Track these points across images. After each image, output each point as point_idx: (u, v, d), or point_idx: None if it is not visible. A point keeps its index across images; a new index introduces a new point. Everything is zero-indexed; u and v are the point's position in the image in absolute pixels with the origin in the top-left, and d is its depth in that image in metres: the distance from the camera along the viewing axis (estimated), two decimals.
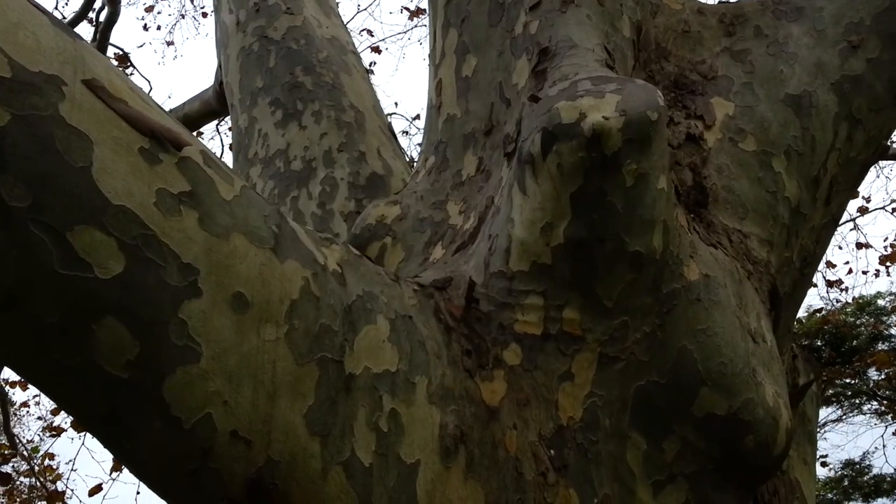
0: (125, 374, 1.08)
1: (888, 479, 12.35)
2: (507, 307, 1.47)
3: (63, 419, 8.38)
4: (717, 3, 2.21)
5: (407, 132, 11.85)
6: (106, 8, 8.00)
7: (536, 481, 1.36)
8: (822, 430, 13.11)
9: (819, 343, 11.89)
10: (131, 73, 10.33)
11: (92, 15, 8.85)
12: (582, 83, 1.53)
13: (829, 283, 11.51)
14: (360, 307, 1.31)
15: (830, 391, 12.82)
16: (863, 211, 10.99)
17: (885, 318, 11.43)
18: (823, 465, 12.74)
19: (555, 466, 1.38)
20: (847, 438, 21.21)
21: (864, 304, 11.51)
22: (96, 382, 1.09)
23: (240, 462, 1.14)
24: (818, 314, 11.91)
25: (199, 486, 1.15)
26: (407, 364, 1.32)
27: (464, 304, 1.48)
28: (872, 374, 11.63)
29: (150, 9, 12.13)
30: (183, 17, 15.59)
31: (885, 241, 11.47)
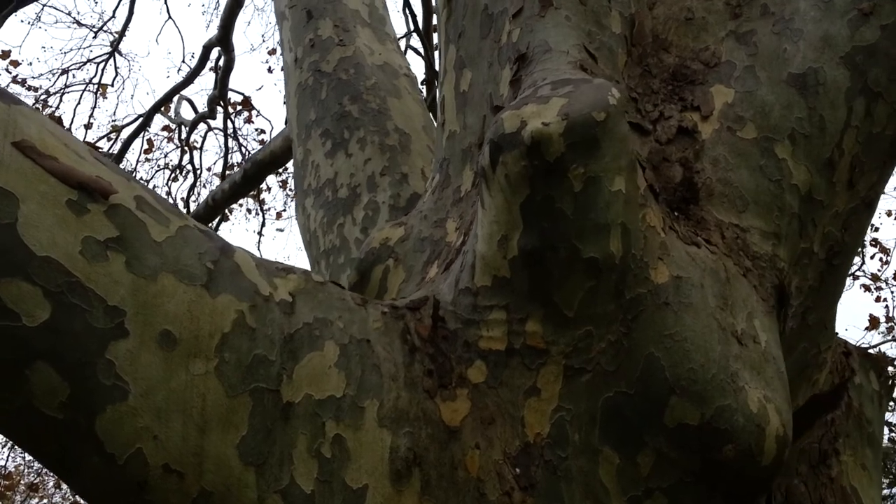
0: (60, 415, 1.15)
1: None
2: (473, 324, 1.45)
3: None
4: None
5: None
6: (222, 57, 8.50)
7: (501, 501, 1.33)
8: None
9: None
10: (257, 115, 10.92)
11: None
12: (542, 88, 1.50)
13: None
14: (306, 335, 1.33)
15: None
16: None
17: None
18: None
19: (521, 485, 1.35)
20: None
21: None
22: (38, 424, 1.16)
23: (175, 494, 1.18)
24: None
25: None
26: (355, 388, 1.32)
27: (431, 324, 1.48)
28: None
29: (272, 52, 12.75)
30: None
31: None
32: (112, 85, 11.07)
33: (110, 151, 9.66)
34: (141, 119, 8.92)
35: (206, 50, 8.32)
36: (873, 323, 9.67)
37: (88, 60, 10.75)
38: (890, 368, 2.13)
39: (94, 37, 10.83)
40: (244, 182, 5.40)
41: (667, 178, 1.63)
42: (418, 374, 1.40)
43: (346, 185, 2.83)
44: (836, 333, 2.05)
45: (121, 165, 10.64)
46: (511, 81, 1.73)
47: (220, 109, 9.08)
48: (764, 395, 1.38)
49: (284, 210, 13.20)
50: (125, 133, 9.62)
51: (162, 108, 10.57)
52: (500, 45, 1.86)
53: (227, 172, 9.10)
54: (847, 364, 1.98)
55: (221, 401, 1.21)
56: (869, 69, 1.72)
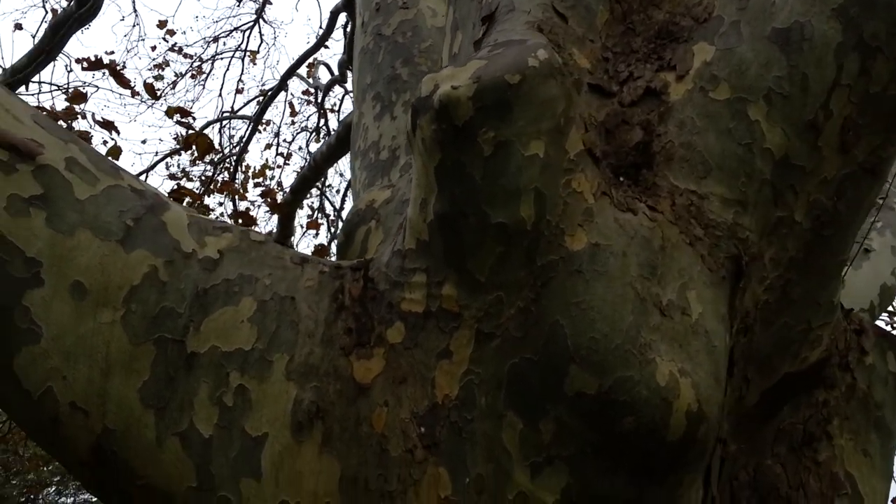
0: None
1: None
2: (399, 286, 1.47)
3: None
4: None
5: None
6: (349, 22, 8.72)
7: (403, 458, 1.36)
8: None
9: None
10: None
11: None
12: (483, 51, 1.48)
13: None
14: (224, 290, 1.39)
15: None
16: None
17: None
18: None
19: (424, 444, 1.36)
20: None
21: None
22: None
23: (82, 430, 1.29)
24: None
25: (60, 450, 1.32)
26: (266, 342, 1.38)
27: (363, 284, 1.51)
28: None
29: None
30: None
31: None
32: (258, 51, 11.57)
33: (253, 115, 10.15)
34: (277, 84, 9.31)
35: (334, 16, 8.56)
36: None
37: (235, 28, 11.30)
38: None
39: (239, 4, 11.33)
40: (338, 144, 5.58)
41: (622, 141, 1.57)
42: (338, 332, 1.44)
43: (387, 147, 2.88)
44: (852, 310, 1.90)
45: (262, 128, 11.17)
46: (475, 43, 1.71)
47: (349, 73, 9.34)
48: (679, 368, 1.32)
49: None
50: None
51: (306, 73, 11.00)
52: (482, 5, 1.84)
53: None
54: (858, 343, 1.84)
55: (125, 348, 1.31)
56: (865, 22, 1.57)
